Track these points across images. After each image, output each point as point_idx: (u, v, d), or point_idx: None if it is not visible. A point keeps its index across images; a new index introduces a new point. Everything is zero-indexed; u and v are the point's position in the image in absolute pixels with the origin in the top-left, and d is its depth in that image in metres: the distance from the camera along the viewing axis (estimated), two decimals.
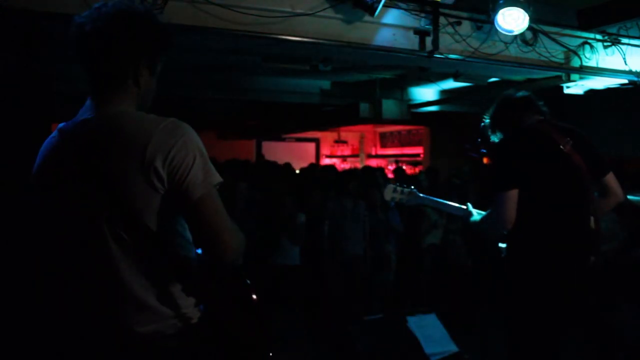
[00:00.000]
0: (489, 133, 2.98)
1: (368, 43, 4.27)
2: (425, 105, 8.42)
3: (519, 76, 6.23)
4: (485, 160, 7.15)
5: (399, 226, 5.77)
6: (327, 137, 14.97)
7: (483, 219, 2.87)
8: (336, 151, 15.11)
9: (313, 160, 13.39)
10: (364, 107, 7.84)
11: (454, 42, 4.50)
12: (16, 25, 3.64)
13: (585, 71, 5.21)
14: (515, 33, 4.32)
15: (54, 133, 1.60)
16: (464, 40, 4.51)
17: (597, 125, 6.32)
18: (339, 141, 15.08)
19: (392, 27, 4.33)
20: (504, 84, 6.61)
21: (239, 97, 7.97)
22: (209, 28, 3.72)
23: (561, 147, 2.68)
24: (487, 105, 3.02)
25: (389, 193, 3.33)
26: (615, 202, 2.85)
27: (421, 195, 3.31)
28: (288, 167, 7.35)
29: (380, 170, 7.51)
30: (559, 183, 2.68)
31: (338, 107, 8.61)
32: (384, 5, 3.92)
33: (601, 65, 5.23)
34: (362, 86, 7.94)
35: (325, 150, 15.10)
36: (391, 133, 14.02)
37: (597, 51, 5.18)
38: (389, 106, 7.75)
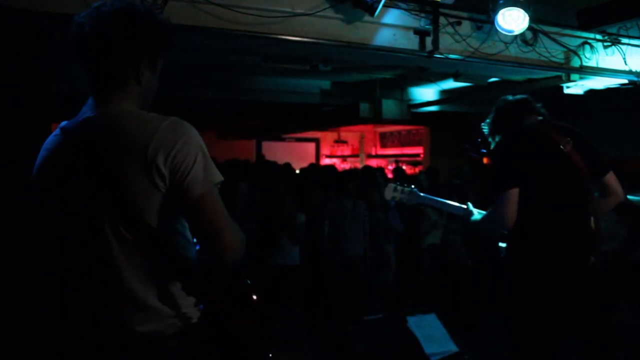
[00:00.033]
0: (489, 139, 2.99)
1: (368, 43, 4.27)
2: (425, 105, 8.42)
3: (519, 76, 6.23)
4: (485, 160, 7.15)
5: (399, 226, 5.77)
6: (327, 137, 14.97)
7: (483, 218, 2.87)
8: (336, 151, 15.11)
9: (313, 160, 13.39)
10: (364, 107, 7.83)
11: (454, 42, 4.50)
12: (16, 25, 3.64)
13: (585, 71, 5.20)
14: (515, 33, 4.31)
15: (56, 131, 1.59)
16: (464, 40, 4.51)
17: (597, 125, 6.33)
18: (339, 141, 15.08)
19: (392, 27, 4.32)
20: (504, 84, 6.61)
21: (239, 97, 7.97)
22: (209, 28, 3.72)
23: (561, 147, 2.68)
24: (487, 105, 3.03)
25: (389, 192, 3.33)
26: (615, 202, 2.85)
27: (421, 194, 3.32)
28: (288, 167, 7.35)
29: (380, 170, 7.51)
30: (559, 183, 2.68)
31: (338, 107, 8.61)
32: (384, 5, 3.92)
33: (601, 65, 5.23)
34: (362, 86, 7.94)
35: (325, 150, 15.09)
36: (391, 133, 14.02)
37: (597, 51, 5.18)
38: (389, 106, 7.75)
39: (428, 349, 3.24)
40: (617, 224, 4.30)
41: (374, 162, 13.32)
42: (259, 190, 5.62)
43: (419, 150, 12.42)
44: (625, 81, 5.62)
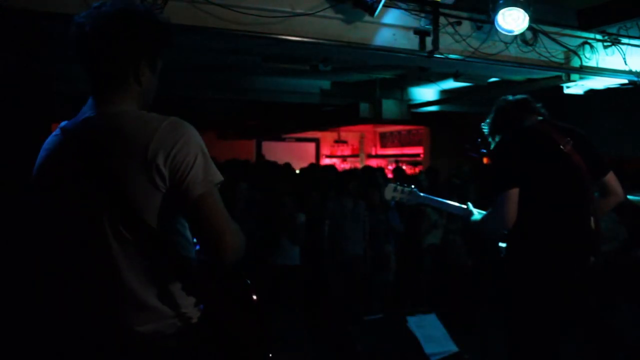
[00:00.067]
0: (490, 140, 2.99)
1: (368, 43, 4.27)
2: (425, 105, 8.42)
3: (519, 76, 6.23)
4: (485, 160, 7.15)
5: (399, 226, 5.77)
6: (327, 137, 14.97)
7: (484, 218, 2.87)
8: (336, 151, 15.11)
9: (313, 160, 13.38)
10: (364, 107, 7.83)
11: (454, 42, 4.50)
12: (16, 25, 3.64)
13: (585, 71, 5.21)
14: (515, 33, 4.31)
15: (56, 131, 1.59)
16: (464, 40, 4.51)
17: (597, 125, 6.34)
18: (339, 141, 15.07)
19: (392, 27, 4.32)
20: (504, 84, 6.61)
21: (239, 97, 7.97)
22: (209, 28, 3.72)
23: (561, 147, 2.68)
24: (487, 105, 3.03)
25: (389, 192, 3.33)
26: (616, 202, 2.85)
27: (421, 194, 3.31)
28: (288, 167, 7.34)
29: (380, 170, 7.50)
30: (559, 183, 2.68)
31: (338, 107, 8.61)
32: (384, 5, 3.92)
33: (601, 65, 5.23)
34: (362, 86, 7.94)
35: (325, 150, 15.09)
36: (391, 133, 14.02)
37: (597, 51, 5.18)
38: (389, 106, 7.75)
39: (428, 349, 3.24)
40: (617, 224, 4.30)
41: (374, 162, 13.32)
42: (259, 190, 5.62)
43: (419, 150, 12.42)
44: (625, 81, 5.62)
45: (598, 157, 2.78)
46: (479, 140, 3.23)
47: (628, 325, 4.09)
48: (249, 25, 3.79)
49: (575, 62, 5.11)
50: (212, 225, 1.47)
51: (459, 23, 4.49)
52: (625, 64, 5.27)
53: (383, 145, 14.58)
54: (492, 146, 2.96)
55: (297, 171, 7.96)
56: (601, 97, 6.36)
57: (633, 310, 4.11)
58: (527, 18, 4.17)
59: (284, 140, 14.15)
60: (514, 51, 4.76)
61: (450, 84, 7.50)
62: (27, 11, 3.29)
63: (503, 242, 2.84)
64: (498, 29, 4.29)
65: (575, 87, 5.90)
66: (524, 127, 2.80)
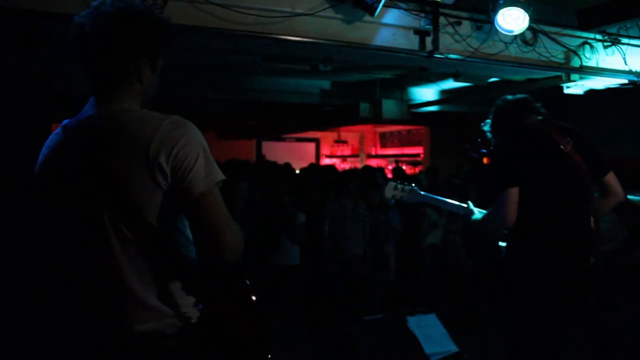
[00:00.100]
0: (489, 136, 2.99)
1: (368, 43, 4.27)
2: (425, 105, 8.42)
3: (519, 76, 6.23)
4: (485, 160, 7.15)
5: (399, 226, 5.77)
6: (327, 137, 14.96)
7: (484, 217, 2.87)
8: (336, 151, 15.11)
9: (313, 160, 13.38)
10: (364, 107, 7.83)
11: (454, 42, 4.50)
12: (16, 25, 3.63)
13: (585, 71, 5.21)
14: (515, 33, 4.32)
15: (58, 129, 1.59)
16: (464, 40, 4.51)
17: (597, 125, 6.32)
18: (339, 141, 15.07)
19: (392, 27, 4.32)
20: (504, 84, 6.61)
21: (239, 97, 7.97)
22: (209, 28, 3.72)
23: (561, 147, 2.68)
24: (487, 105, 3.03)
25: (389, 191, 3.33)
26: (616, 202, 2.85)
27: (422, 193, 3.31)
28: (288, 167, 7.34)
29: (380, 170, 7.51)
30: (559, 183, 2.68)
31: (338, 107, 8.60)
32: (384, 5, 3.92)
33: (601, 65, 5.23)
34: (362, 86, 7.93)
35: (325, 150, 15.09)
36: (391, 133, 14.02)
37: (597, 51, 5.18)
38: (389, 106, 7.75)
39: (428, 349, 3.24)
40: (617, 224, 4.30)
41: (374, 162, 13.31)
42: (259, 190, 5.62)
43: (419, 150, 12.42)
44: (625, 81, 5.62)
45: (598, 157, 2.77)
46: (479, 140, 3.23)
47: (628, 325, 4.09)
48: (249, 25, 3.79)
49: (575, 62, 5.11)
50: (213, 224, 1.47)
51: (459, 23, 4.49)
52: (625, 64, 5.27)
53: (383, 145, 14.58)
54: (492, 146, 2.96)
55: (297, 171, 7.96)
56: (601, 97, 6.36)
57: (633, 310, 4.10)
58: (527, 18, 4.17)
59: (284, 140, 14.14)
60: (514, 51, 4.77)
61: (450, 84, 7.50)
62: (27, 11, 3.29)
63: (503, 240, 2.85)
64: (498, 29, 4.29)
65: (575, 87, 5.90)
66: (524, 127, 2.80)
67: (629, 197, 3.72)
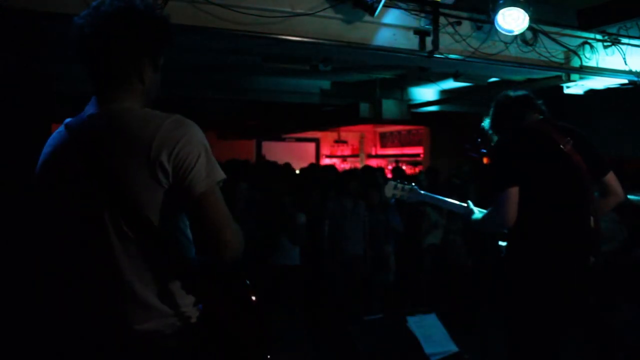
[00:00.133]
0: (490, 133, 2.98)
1: (368, 43, 4.27)
2: (425, 105, 8.42)
3: (519, 76, 6.23)
4: (485, 160, 7.15)
5: (399, 226, 5.76)
6: (327, 137, 14.97)
7: (484, 217, 2.86)
8: (336, 151, 15.11)
9: (313, 160, 13.38)
10: (364, 107, 7.83)
11: (454, 42, 4.50)
12: (16, 25, 3.64)
13: (585, 71, 5.21)
14: (515, 33, 4.31)
15: (60, 128, 1.59)
16: (464, 40, 4.51)
17: (597, 125, 6.33)
18: (339, 141, 15.08)
19: (392, 27, 4.33)
20: (504, 84, 6.60)
21: (239, 97, 7.97)
22: (209, 28, 3.72)
23: (561, 147, 2.68)
24: (487, 105, 3.02)
25: (389, 190, 3.32)
26: (616, 202, 2.85)
27: (422, 192, 3.31)
28: (288, 167, 7.34)
29: (380, 170, 7.51)
30: (559, 183, 2.68)
31: (338, 107, 8.60)
32: (384, 5, 3.92)
33: (601, 65, 5.23)
34: (362, 86, 7.94)
35: (325, 150, 15.10)
36: (391, 133, 14.02)
37: (597, 51, 5.18)
38: (389, 106, 7.74)
39: (428, 349, 3.24)
40: (617, 224, 4.30)
41: (374, 162, 13.32)
42: (259, 190, 5.62)
43: (419, 150, 12.42)
44: (625, 81, 5.62)
45: (598, 157, 2.77)
46: (479, 140, 3.22)
47: (628, 325, 4.09)
48: (249, 25, 3.79)
49: (575, 62, 5.11)
50: (214, 223, 1.48)
51: (459, 23, 4.49)
52: (625, 64, 5.27)
53: (383, 145, 14.58)
54: (493, 142, 2.95)
55: (297, 171, 7.96)
56: (601, 97, 6.36)
57: (633, 310, 4.10)
58: (527, 18, 4.17)
59: (284, 140, 14.15)
60: (514, 51, 4.77)
61: (450, 84, 7.50)
62: (27, 11, 3.29)
63: (503, 240, 2.85)
64: (498, 29, 4.29)
65: (575, 87, 5.91)
66: (523, 126, 2.80)
67: (629, 197, 3.72)
